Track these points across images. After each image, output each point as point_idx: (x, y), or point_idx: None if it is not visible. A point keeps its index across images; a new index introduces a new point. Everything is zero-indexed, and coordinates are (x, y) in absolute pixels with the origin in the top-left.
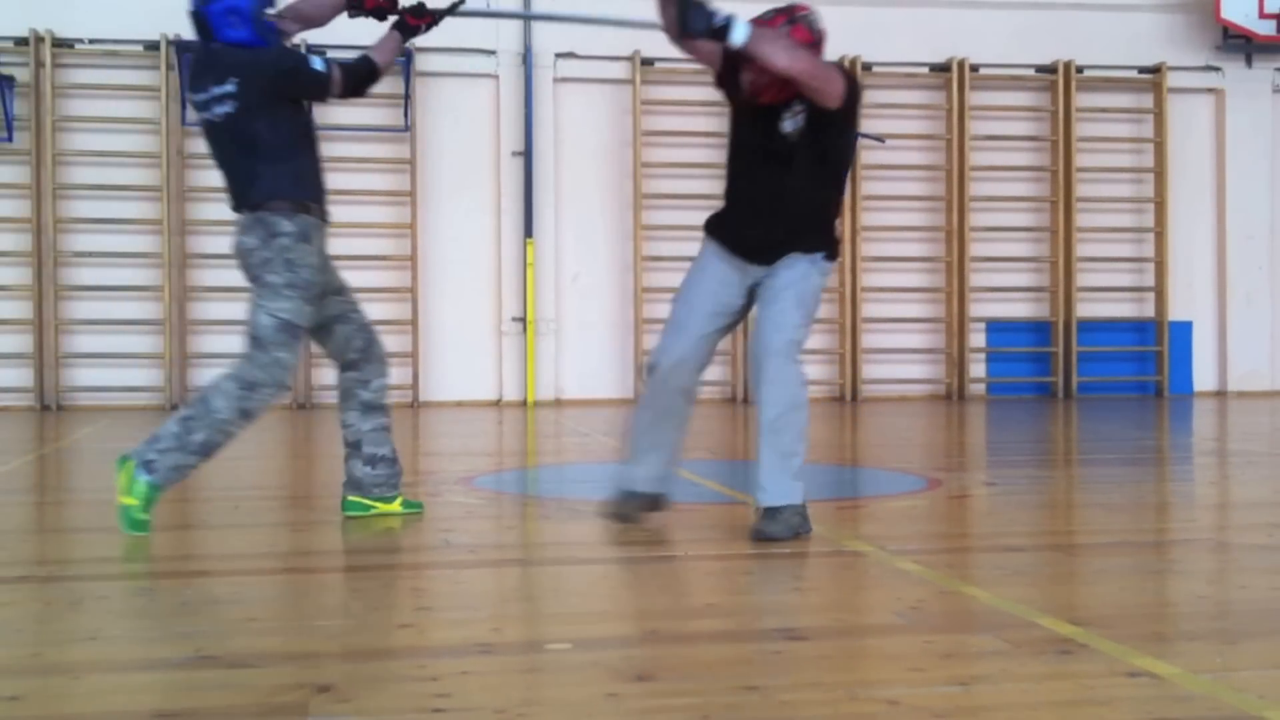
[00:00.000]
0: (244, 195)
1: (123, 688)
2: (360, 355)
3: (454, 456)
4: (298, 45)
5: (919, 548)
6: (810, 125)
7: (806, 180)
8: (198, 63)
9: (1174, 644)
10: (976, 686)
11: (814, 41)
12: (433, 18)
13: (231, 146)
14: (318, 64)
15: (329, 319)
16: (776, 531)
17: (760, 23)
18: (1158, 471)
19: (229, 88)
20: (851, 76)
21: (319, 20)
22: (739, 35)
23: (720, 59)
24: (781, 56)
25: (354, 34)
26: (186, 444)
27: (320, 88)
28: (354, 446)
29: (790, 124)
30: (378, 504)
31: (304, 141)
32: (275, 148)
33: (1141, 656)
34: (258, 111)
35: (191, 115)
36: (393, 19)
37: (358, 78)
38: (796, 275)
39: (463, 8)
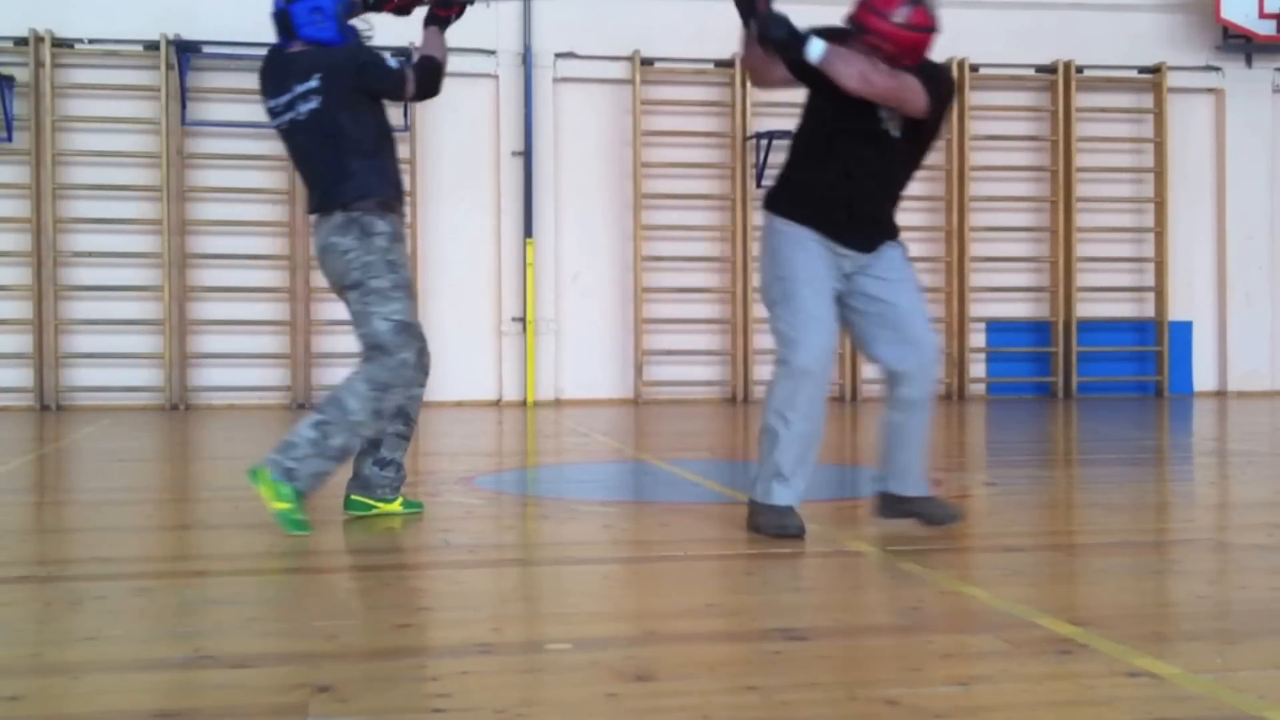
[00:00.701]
0: (332, 194)
1: (122, 688)
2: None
3: (454, 456)
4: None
5: (919, 548)
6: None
7: (902, 167)
8: (273, 67)
9: (1174, 644)
10: (976, 686)
11: (930, 27)
12: (461, 6)
13: (317, 144)
14: (392, 62)
15: None
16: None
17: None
18: (1158, 471)
19: (313, 83)
20: (940, 80)
21: None
22: (814, 53)
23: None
24: (855, 80)
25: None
26: (325, 449)
27: (396, 85)
28: (372, 445)
29: (888, 112)
30: (379, 504)
31: (386, 140)
32: (361, 142)
33: (1141, 656)
34: (342, 106)
35: (190, 113)
36: (421, 13)
37: (428, 76)
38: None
39: None
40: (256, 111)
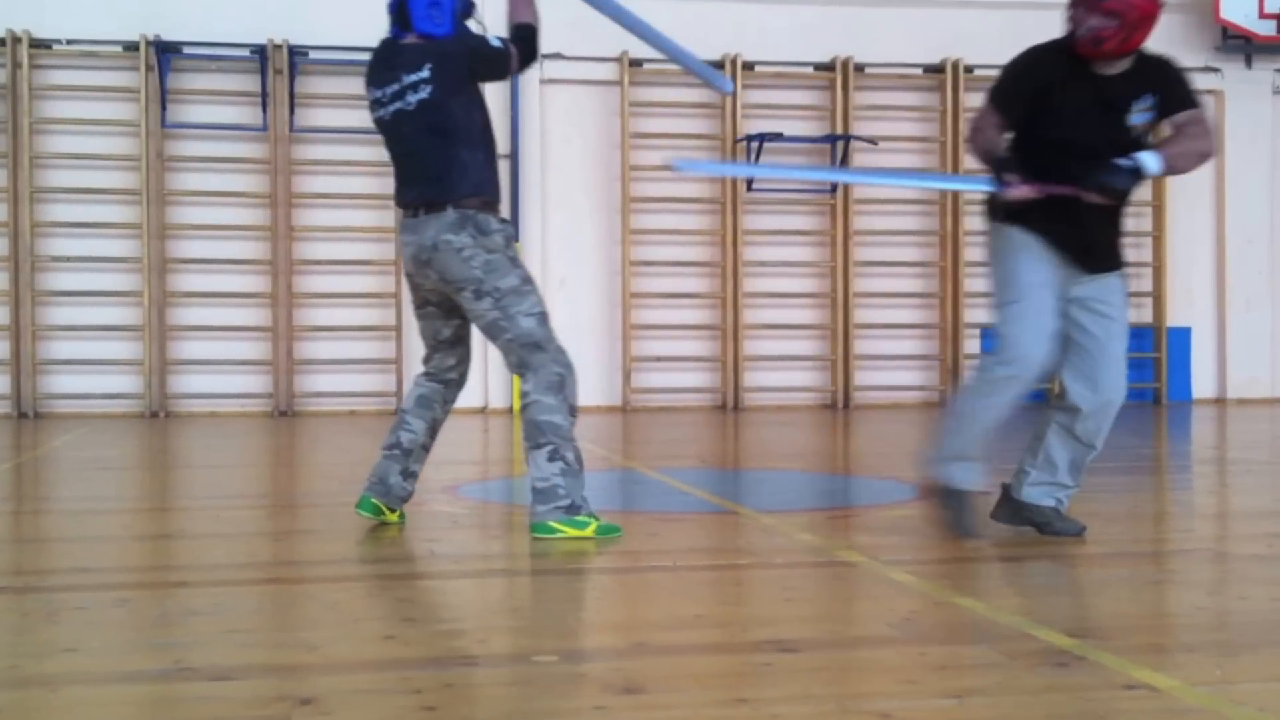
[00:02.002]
0: (444, 188)
1: (101, 700)
2: (457, 380)
3: (438, 465)
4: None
5: (912, 558)
6: (1157, 119)
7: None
8: (381, 59)
9: (1173, 656)
10: (971, 699)
11: (1160, 3)
12: None
13: (427, 134)
14: (495, 41)
15: (455, 335)
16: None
17: None
18: (1156, 480)
19: (424, 73)
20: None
21: None
22: (1154, 168)
23: None
24: (1197, 161)
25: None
26: (572, 468)
27: (504, 63)
28: (406, 454)
29: (1140, 118)
30: (389, 513)
31: (489, 134)
32: (470, 132)
33: (1140, 669)
34: (454, 94)
35: (170, 115)
36: None
37: (528, 44)
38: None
39: None
40: (238, 114)
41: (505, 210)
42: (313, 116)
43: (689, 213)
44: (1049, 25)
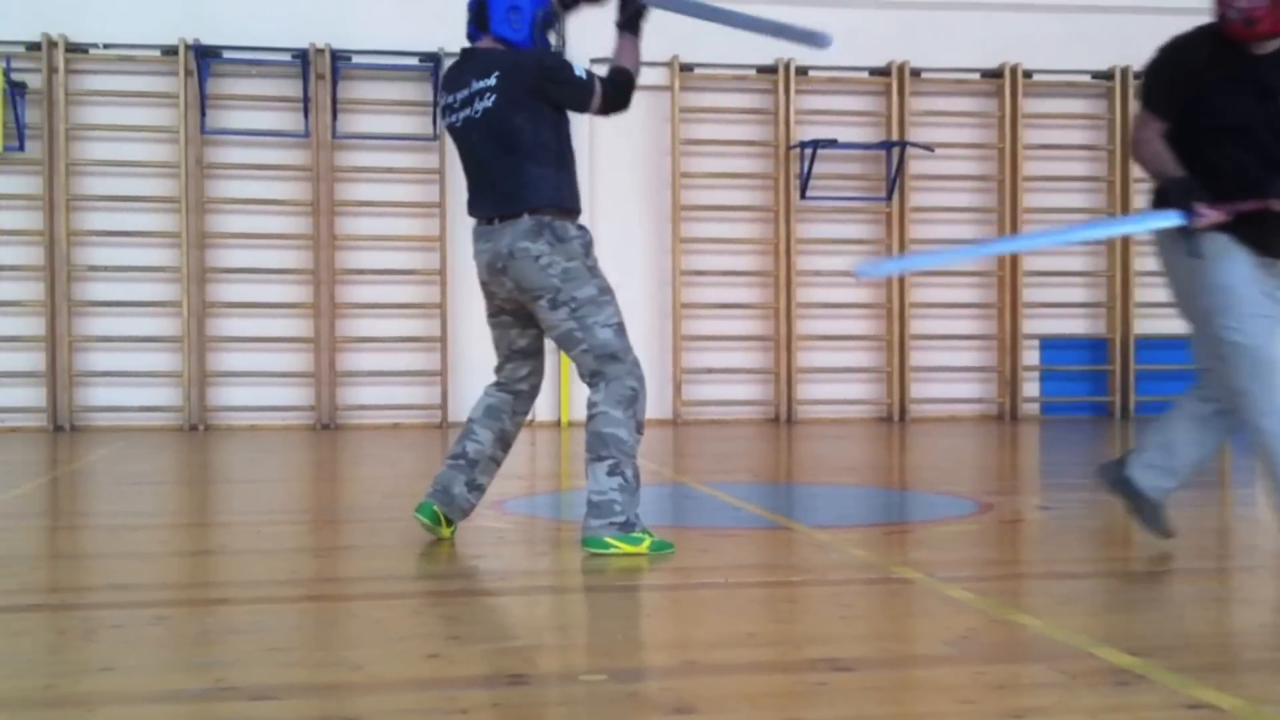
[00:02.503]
0: (515, 197)
1: None
2: (528, 391)
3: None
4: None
5: (969, 574)
6: None
7: None
8: (457, 64)
9: (1236, 675)
10: (1030, 719)
11: None
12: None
13: (491, 144)
14: (580, 71)
15: (530, 345)
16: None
17: None
18: (1220, 494)
19: (491, 80)
20: None
21: None
22: None
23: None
24: None
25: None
26: (629, 485)
27: (582, 95)
28: (471, 464)
29: None
30: (445, 526)
31: (568, 151)
32: (539, 147)
33: (1203, 688)
34: (518, 106)
35: (210, 121)
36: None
37: (619, 90)
38: None
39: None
40: (280, 119)
41: None
42: (356, 122)
43: (741, 221)
44: (1108, 28)
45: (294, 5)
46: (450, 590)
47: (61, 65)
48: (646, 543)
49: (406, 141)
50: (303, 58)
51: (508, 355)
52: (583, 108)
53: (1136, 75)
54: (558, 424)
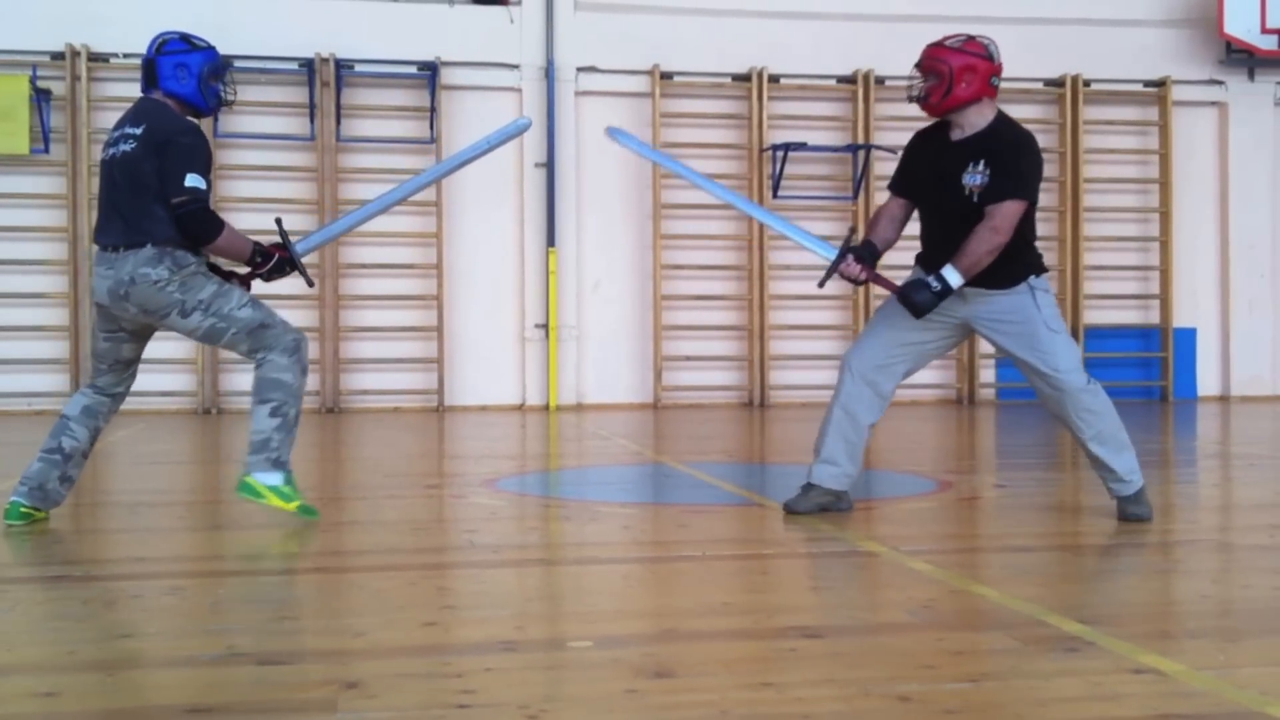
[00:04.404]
0: (139, 229)
1: (157, 684)
2: (122, 394)
3: (478, 459)
4: None
5: (930, 548)
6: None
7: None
8: (129, 109)
9: (1178, 641)
10: (986, 683)
11: (997, 70)
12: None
13: (125, 182)
14: (193, 179)
15: (133, 356)
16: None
17: (944, 50)
18: (1162, 474)
19: (137, 130)
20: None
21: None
22: (956, 281)
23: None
24: (992, 251)
25: None
26: (287, 425)
27: (174, 186)
28: (66, 459)
29: (972, 178)
30: (38, 513)
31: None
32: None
33: (1147, 654)
34: (148, 158)
35: (223, 126)
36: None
37: (201, 223)
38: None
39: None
40: (287, 124)
41: (541, 216)
42: (358, 127)
43: (717, 219)
44: (1059, 39)
45: (301, 17)
46: (446, 563)
47: (84, 73)
48: (296, 504)
49: (405, 144)
50: (309, 66)
51: (111, 366)
52: (168, 195)
53: (1086, 83)
54: (546, 407)
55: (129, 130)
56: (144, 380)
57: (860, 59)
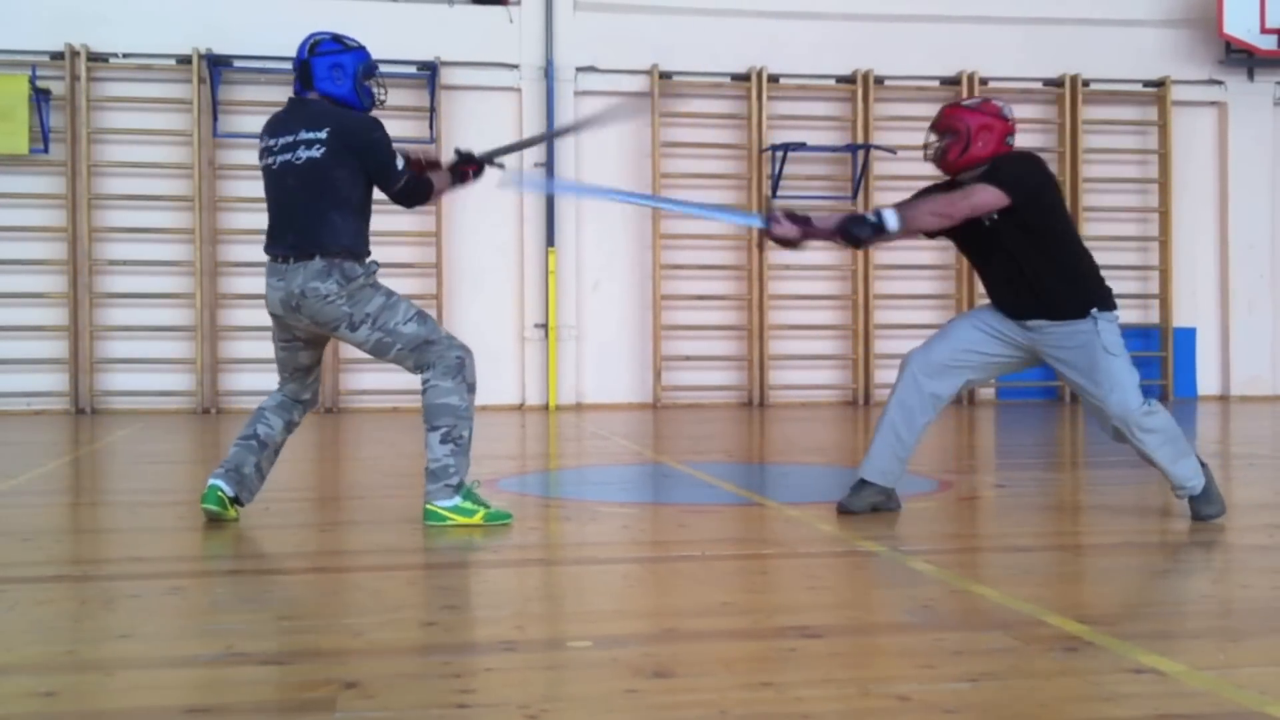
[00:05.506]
0: (312, 240)
1: (155, 684)
2: (310, 400)
3: (478, 459)
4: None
5: (930, 548)
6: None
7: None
8: (286, 111)
9: (1178, 641)
10: (985, 683)
11: (1011, 129)
12: (480, 168)
13: (303, 190)
14: (398, 161)
15: (312, 362)
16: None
17: (961, 110)
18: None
19: (321, 134)
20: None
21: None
22: (893, 224)
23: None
24: (926, 218)
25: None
26: (461, 449)
27: (389, 178)
28: (261, 446)
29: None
30: (231, 508)
31: (369, 204)
32: (346, 199)
33: (1146, 654)
34: (341, 163)
35: (221, 126)
36: (451, 160)
37: (417, 190)
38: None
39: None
40: None
41: (541, 216)
42: None
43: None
44: (1059, 39)
45: (300, 16)
46: (445, 563)
47: (83, 73)
48: (481, 514)
49: (404, 144)
50: None
51: (291, 374)
52: (385, 188)
53: (1085, 83)
54: (546, 407)
55: (308, 135)
56: (144, 380)
57: (860, 59)
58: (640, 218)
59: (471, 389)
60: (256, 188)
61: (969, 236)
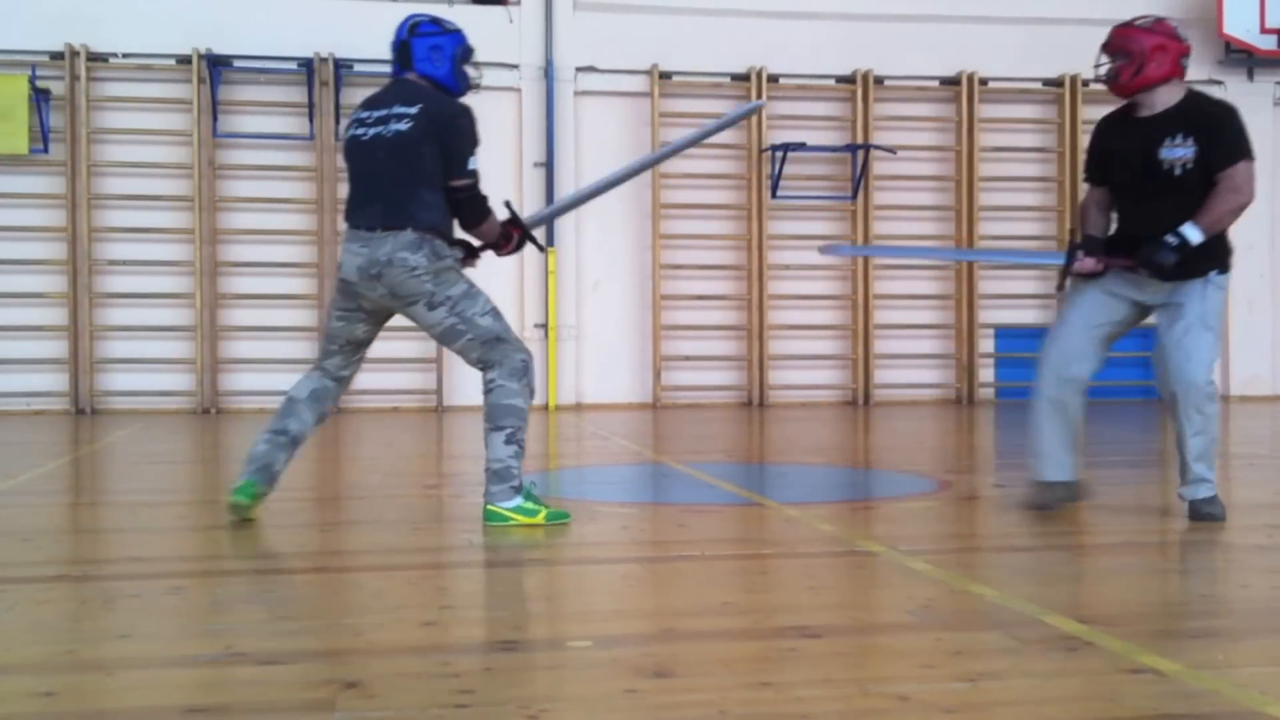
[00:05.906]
0: (404, 212)
1: (155, 684)
2: (348, 379)
3: (477, 459)
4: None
5: (930, 548)
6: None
7: None
8: (386, 89)
9: (1177, 641)
10: (985, 683)
11: (1187, 50)
12: (521, 237)
13: (394, 162)
14: (473, 162)
15: (365, 339)
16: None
17: (1135, 30)
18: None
19: (413, 110)
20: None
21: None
22: (1195, 237)
23: None
24: (1229, 218)
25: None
26: (523, 451)
27: (457, 171)
28: (293, 442)
29: (1170, 153)
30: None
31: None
32: (433, 176)
33: (1146, 653)
34: (428, 139)
35: (221, 125)
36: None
37: (475, 208)
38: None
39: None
40: (286, 123)
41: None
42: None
43: (716, 219)
44: (1058, 39)
45: (299, 17)
46: (445, 563)
47: (83, 73)
48: (543, 514)
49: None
50: (308, 66)
51: (341, 347)
52: (451, 177)
53: (1084, 83)
54: (545, 407)
55: (400, 110)
56: (144, 380)
57: (859, 59)
58: (640, 218)
59: (533, 394)
60: (257, 188)
61: (1139, 174)
